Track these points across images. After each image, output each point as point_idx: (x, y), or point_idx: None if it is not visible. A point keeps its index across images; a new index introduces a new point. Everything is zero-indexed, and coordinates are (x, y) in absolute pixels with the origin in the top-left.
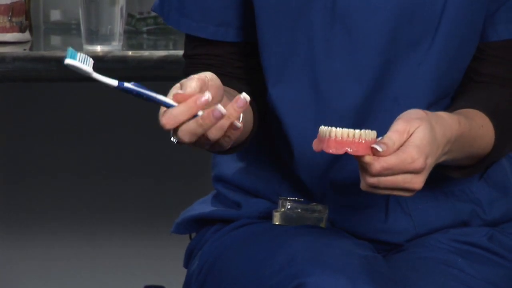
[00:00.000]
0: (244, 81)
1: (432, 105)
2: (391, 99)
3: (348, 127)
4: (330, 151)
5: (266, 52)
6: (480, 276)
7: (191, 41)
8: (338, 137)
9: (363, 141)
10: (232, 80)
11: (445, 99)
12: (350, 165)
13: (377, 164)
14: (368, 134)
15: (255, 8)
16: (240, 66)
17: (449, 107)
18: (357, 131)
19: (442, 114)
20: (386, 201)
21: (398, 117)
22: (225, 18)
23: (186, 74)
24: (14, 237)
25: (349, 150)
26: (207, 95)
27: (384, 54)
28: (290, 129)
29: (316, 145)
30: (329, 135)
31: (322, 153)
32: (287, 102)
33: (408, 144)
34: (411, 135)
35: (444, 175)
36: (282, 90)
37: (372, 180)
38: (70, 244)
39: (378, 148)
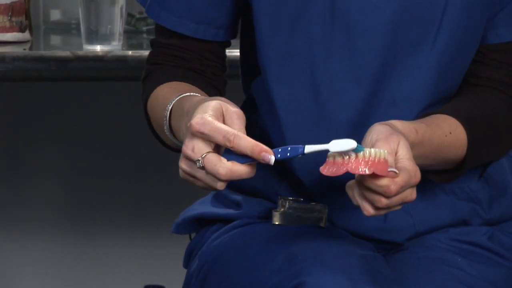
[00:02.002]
0: (210, 80)
1: (430, 106)
2: (389, 100)
3: (347, 128)
4: (358, 172)
5: (265, 52)
6: (480, 275)
7: (166, 31)
8: (366, 157)
9: (383, 161)
10: (200, 77)
11: (444, 101)
12: None
13: (394, 186)
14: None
15: (254, 8)
16: (209, 65)
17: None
18: (382, 150)
19: (397, 124)
20: None
21: (377, 139)
22: (207, 17)
23: (152, 63)
24: (14, 237)
25: (376, 170)
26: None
27: (384, 56)
28: (289, 129)
29: (327, 169)
30: (356, 156)
31: (321, 152)
32: (286, 102)
33: (402, 160)
34: (397, 151)
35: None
36: (281, 90)
37: (387, 202)
38: (70, 244)
39: (396, 171)
